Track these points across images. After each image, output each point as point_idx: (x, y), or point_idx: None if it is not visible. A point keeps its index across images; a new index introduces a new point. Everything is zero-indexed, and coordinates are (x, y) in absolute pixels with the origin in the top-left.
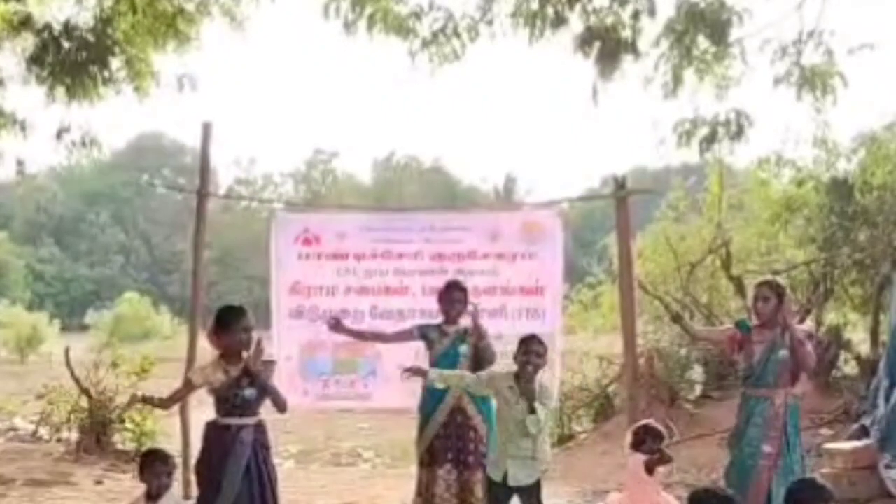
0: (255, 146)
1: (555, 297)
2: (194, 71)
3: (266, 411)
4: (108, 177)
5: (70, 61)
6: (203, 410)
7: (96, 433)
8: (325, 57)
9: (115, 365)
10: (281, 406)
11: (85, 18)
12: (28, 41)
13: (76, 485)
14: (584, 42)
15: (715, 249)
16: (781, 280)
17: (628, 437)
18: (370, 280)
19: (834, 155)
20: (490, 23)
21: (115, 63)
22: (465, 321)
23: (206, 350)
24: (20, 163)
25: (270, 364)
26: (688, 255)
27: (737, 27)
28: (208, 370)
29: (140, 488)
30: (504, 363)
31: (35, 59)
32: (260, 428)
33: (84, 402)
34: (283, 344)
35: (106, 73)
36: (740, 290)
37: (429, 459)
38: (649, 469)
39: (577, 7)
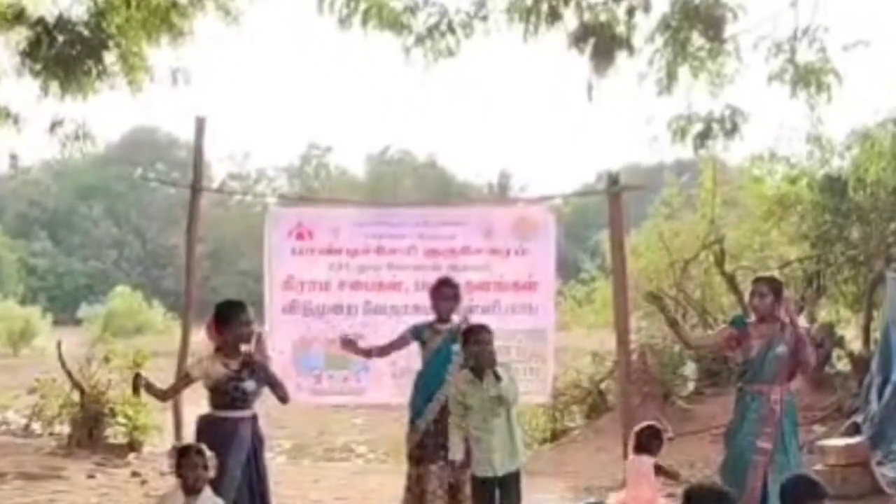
0: (248, 140)
1: (548, 293)
2: (188, 65)
3: (259, 405)
4: (101, 171)
5: (64, 55)
6: (195, 406)
7: (88, 427)
8: (319, 52)
9: (107, 359)
10: (284, 397)
11: (79, 12)
12: (22, 35)
13: (68, 479)
14: (579, 38)
15: (708, 246)
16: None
17: (632, 440)
18: (363, 275)
19: (827, 152)
20: (485, 18)
21: (109, 57)
22: (457, 318)
23: (200, 344)
24: (13, 156)
25: (269, 358)
26: (681, 252)
27: (731, 24)
28: (206, 363)
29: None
30: (499, 360)
31: (29, 53)
32: (255, 420)
33: (76, 397)
34: (277, 339)
35: (100, 67)
36: (733, 286)
37: (420, 456)
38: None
39: (572, 3)
